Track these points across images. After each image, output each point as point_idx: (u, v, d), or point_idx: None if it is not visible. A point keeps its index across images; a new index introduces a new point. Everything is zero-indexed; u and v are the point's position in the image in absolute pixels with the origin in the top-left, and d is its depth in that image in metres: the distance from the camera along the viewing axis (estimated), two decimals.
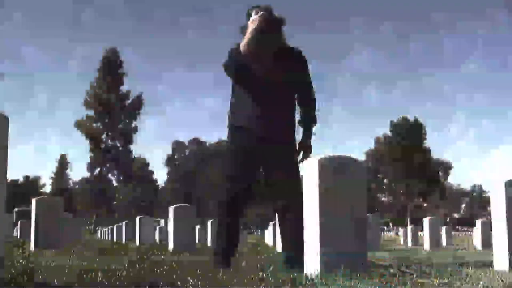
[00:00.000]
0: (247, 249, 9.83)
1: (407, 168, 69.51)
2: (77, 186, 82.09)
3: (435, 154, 74.79)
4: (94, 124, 58.35)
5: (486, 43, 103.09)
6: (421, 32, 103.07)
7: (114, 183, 67.77)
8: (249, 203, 4.24)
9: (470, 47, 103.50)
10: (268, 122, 3.88)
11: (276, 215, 4.05)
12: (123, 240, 17.70)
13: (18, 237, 17.45)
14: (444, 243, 17.73)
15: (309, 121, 4.11)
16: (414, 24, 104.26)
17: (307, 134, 4.10)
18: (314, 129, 4.14)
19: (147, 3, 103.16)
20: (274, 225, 13.49)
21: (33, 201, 7.90)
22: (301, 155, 4.06)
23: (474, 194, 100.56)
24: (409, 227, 20.45)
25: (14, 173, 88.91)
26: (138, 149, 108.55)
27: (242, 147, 3.96)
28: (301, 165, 3.95)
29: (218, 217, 4.09)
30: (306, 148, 4.07)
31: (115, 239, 21.14)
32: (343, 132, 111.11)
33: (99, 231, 40.71)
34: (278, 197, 3.92)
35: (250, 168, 4.00)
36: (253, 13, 3.82)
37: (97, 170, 60.05)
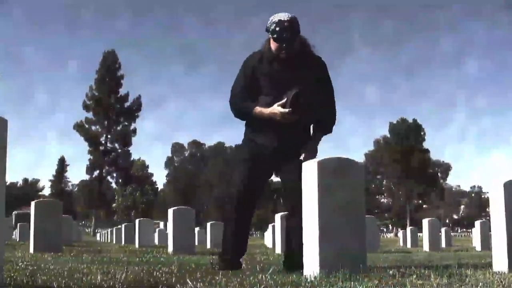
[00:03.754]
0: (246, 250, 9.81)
1: (406, 169, 69.51)
2: (76, 188, 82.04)
3: (434, 155, 74.89)
4: (93, 127, 58.35)
5: (486, 43, 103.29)
6: (419, 32, 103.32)
7: (113, 185, 67.74)
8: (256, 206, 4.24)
9: (470, 47, 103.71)
10: (285, 127, 3.86)
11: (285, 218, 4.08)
12: (123, 242, 17.67)
13: (18, 239, 17.45)
14: (443, 244, 17.74)
15: (324, 129, 4.08)
16: (413, 24, 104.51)
17: (317, 139, 4.07)
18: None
19: (146, 3, 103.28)
20: (273, 227, 13.47)
21: (32, 204, 7.89)
22: (304, 156, 4.03)
23: (473, 195, 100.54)
24: (408, 229, 20.46)
25: (13, 175, 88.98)
26: (137, 151, 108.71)
27: (257, 150, 3.97)
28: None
29: (227, 220, 4.07)
30: (312, 151, 4.04)
31: (114, 242, 21.11)
32: (342, 133, 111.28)
33: (98, 234, 40.67)
34: (287, 201, 3.96)
35: (263, 171, 4.03)
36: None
37: (96, 172, 60.00)
